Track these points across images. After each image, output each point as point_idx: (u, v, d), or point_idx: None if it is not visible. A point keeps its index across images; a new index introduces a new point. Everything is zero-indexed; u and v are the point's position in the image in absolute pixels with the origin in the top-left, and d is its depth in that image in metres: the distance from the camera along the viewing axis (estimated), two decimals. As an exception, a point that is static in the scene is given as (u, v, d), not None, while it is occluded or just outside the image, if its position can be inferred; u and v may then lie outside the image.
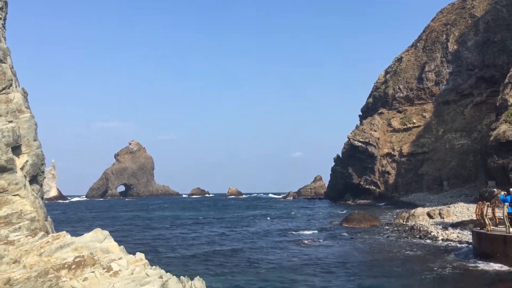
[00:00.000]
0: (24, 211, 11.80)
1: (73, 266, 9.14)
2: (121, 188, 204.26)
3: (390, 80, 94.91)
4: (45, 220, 13.12)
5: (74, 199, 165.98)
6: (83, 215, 63.22)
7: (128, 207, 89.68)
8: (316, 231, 33.94)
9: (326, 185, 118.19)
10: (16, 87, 14.77)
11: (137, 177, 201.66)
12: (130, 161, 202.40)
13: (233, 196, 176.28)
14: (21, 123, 14.03)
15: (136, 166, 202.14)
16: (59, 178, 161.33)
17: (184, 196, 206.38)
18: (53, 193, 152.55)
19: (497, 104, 47.00)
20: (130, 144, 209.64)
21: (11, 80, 14.23)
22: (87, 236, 11.06)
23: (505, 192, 19.76)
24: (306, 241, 27.29)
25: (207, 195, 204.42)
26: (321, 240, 27.63)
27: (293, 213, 62.36)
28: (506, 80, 46.93)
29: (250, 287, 14.33)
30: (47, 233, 11.91)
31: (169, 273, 10.72)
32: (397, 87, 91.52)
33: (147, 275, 9.98)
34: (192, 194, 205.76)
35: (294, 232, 33.58)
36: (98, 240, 11.04)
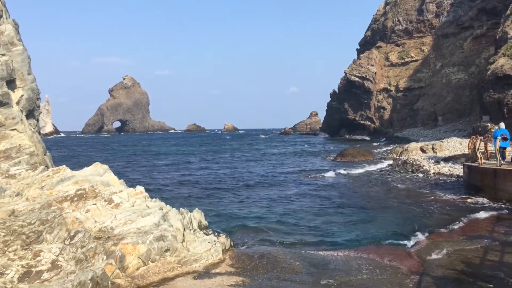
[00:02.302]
0: (22, 145, 11.89)
1: (75, 199, 9.38)
2: (117, 124, 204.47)
3: (389, 12, 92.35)
4: (44, 155, 13.26)
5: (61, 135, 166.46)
6: (80, 150, 63.77)
7: (124, 143, 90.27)
8: (311, 166, 34.55)
9: (322, 121, 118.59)
10: (6, 18, 14.29)
11: (132, 113, 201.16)
12: (125, 97, 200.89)
13: (228, 132, 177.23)
14: (14, 56, 13.75)
15: (131, 102, 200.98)
16: (55, 114, 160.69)
17: (179, 131, 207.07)
18: (48, 128, 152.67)
19: (497, 37, 46.19)
20: (124, 79, 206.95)
21: (1, 10, 13.76)
22: (87, 170, 11.24)
23: (498, 127, 19.98)
24: (301, 175, 27.86)
25: (205, 131, 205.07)
26: (316, 174, 28.19)
27: (288, 148, 63.10)
28: (508, 11, 45.79)
29: (249, 219, 14.80)
30: (47, 167, 12.08)
31: (168, 206, 11.05)
32: (397, 19, 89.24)
33: (148, 207, 10.28)
34: (188, 130, 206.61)
35: (289, 167, 34.17)
36: (98, 174, 11.24)
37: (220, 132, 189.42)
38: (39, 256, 6.48)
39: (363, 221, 14.36)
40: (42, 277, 6.18)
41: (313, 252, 10.67)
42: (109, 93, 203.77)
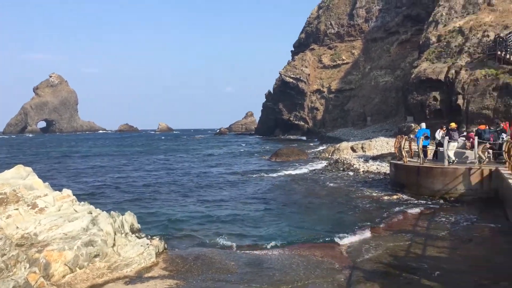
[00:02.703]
0: None
1: (-6, 204, 8.73)
2: (42, 124, 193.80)
3: (322, 16, 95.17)
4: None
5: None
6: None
7: (50, 144, 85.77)
8: (246, 166, 34.76)
9: (257, 121, 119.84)
10: None
11: (59, 112, 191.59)
12: (51, 95, 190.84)
13: (162, 133, 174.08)
14: None
15: (58, 101, 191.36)
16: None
17: (110, 132, 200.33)
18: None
19: (420, 42, 49.08)
20: (50, 77, 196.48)
21: None
22: (8, 173, 10.51)
23: (420, 127, 21.26)
24: (237, 176, 27.94)
25: (138, 132, 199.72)
26: (251, 174, 28.40)
27: (224, 148, 63.09)
28: (431, 19, 48.82)
29: (184, 221, 14.59)
30: (-38, 170, 11.14)
31: (98, 209, 10.60)
32: (329, 22, 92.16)
33: (76, 211, 9.81)
34: (120, 130, 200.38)
35: (225, 167, 34.16)
36: (21, 177, 10.55)
37: (154, 132, 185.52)
38: (-49, 267, 5.96)
39: (297, 220, 14.65)
40: (-46, 290, 5.68)
41: (248, 252, 10.71)
42: (34, 91, 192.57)
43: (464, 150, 18.79)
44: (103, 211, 10.54)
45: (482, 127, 19.59)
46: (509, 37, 34.00)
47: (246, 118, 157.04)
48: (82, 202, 10.64)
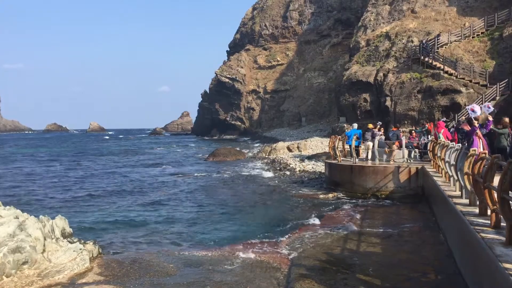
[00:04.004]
0: None
1: None
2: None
3: (257, 17, 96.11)
4: None
5: None
6: None
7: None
8: (183, 166, 34.31)
9: (194, 121, 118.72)
10: None
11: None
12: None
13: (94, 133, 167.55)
14: None
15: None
16: None
17: (37, 131, 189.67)
18: None
19: (351, 45, 51.03)
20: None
21: None
22: None
23: (350, 126, 22.24)
24: (173, 177, 27.50)
25: (67, 131, 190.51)
26: (189, 174, 28.08)
27: (161, 148, 61.86)
28: (360, 23, 50.91)
29: (120, 224, 14.11)
30: None
31: (26, 213, 9.98)
32: (264, 24, 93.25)
33: (1, 216, 9.16)
34: (48, 130, 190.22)
35: (161, 168, 33.51)
36: None
37: (85, 132, 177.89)
38: None
39: (235, 219, 14.68)
40: None
41: (187, 253, 10.57)
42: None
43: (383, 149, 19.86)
44: (31, 215, 9.93)
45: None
46: (430, 42, 36.25)
47: (182, 118, 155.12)
48: (8, 207, 9.95)
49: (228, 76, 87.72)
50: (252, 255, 10.24)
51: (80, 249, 9.13)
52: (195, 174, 28.02)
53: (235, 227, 13.50)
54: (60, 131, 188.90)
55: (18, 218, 9.17)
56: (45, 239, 9.01)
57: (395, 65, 39.84)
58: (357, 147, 20.63)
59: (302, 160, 30.76)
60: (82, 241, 10.05)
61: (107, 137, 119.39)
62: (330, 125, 54.82)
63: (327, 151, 27.75)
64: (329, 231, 12.45)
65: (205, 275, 8.82)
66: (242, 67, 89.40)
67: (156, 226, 13.80)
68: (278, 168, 28.79)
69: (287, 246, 11.12)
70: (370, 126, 20.31)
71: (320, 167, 26.33)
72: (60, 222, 10.70)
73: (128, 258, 9.78)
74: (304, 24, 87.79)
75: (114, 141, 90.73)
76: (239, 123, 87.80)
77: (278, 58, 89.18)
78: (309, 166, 27.65)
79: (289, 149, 37.18)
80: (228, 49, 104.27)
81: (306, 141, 40.25)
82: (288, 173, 26.62)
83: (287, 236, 12.08)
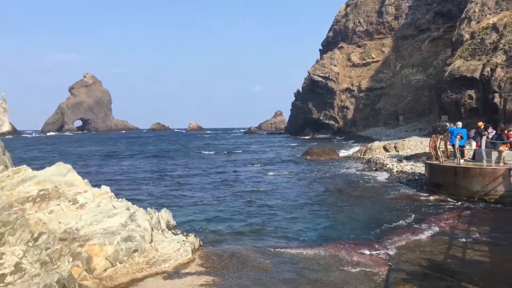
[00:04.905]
0: (-21, 144, 11.31)
1: (38, 199, 9.02)
2: (78, 123, 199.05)
3: (350, 13, 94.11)
4: (3, 154, 12.68)
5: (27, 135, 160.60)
6: (40, 150, 61.64)
7: (87, 142, 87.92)
8: (278, 163, 34.75)
9: (287, 120, 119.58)
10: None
11: (94, 111, 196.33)
12: (86, 95, 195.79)
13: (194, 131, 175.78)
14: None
15: (92, 100, 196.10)
16: (13, 113, 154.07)
17: (143, 130, 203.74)
18: (6, 127, 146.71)
19: (453, 39, 47.87)
20: (84, 77, 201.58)
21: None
22: (50, 170, 10.83)
23: (453, 124, 20.72)
24: (268, 174, 27.97)
25: (169, 130, 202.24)
26: (284, 172, 28.38)
27: (256, 146, 63.24)
28: (463, 15, 47.54)
29: (218, 218, 14.71)
30: (6, 167, 11.56)
31: (135, 205, 10.80)
32: (357, 20, 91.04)
33: (114, 207, 10.01)
34: (153, 129, 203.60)
35: (258, 165, 34.24)
36: (61, 174, 10.85)
37: (185, 131, 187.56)
38: (1, 259, 6.19)
39: (331, 219, 14.55)
40: (5, 280, 5.90)
41: (282, 250, 10.69)
42: (69, 91, 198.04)
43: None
44: (140, 207, 10.74)
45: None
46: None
47: (275, 117, 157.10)
48: (120, 199, 10.85)
49: (321, 74, 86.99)
50: (348, 256, 10.08)
51: (183, 240, 9.65)
52: (289, 173, 28.22)
53: (330, 227, 13.37)
54: (163, 130, 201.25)
55: (129, 210, 9.97)
56: (152, 230, 9.67)
57: (504, 59, 36.61)
58: (462, 147, 19.30)
59: (399, 160, 29.53)
60: (185, 234, 10.63)
61: (206, 136, 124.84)
62: (431, 124, 51.91)
63: (427, 151, 26.33)
64: (430, 235, 11.83)
65: (300, 273, 8.86)
66: (335, 65, 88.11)
67: (252, 222, 14.15)
68: (374, 168, 27.95)
69: (384, 249, 10.77)
70: (480, 124, 18.72)
71: (419, 168, 25.07)
72: (165, 215, 11.43)
73: (227, 251, 10.14)
74: (401, 18, 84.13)
75: (211, 140, 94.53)
76: (333, 122, 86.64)
77: (373, 55, 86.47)
78: (408, 166, 26.46)
79: (386, 149, 35.89)
80: (321, 48, 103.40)
81: (404, 140, 38.55)
82: (385, 173, 25.73)
83: (383, 238, 11.71)
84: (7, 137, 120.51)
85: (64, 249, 7.29)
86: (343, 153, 41.96)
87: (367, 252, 10.48)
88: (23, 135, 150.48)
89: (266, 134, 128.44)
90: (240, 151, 53.34)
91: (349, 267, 9.23)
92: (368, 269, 9.14)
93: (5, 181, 9.61)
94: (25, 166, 10.65)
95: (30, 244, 6.90)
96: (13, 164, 13.99)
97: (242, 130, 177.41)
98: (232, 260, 9.47)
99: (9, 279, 5.99)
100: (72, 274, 6.75)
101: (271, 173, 28.27)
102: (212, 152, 52.25)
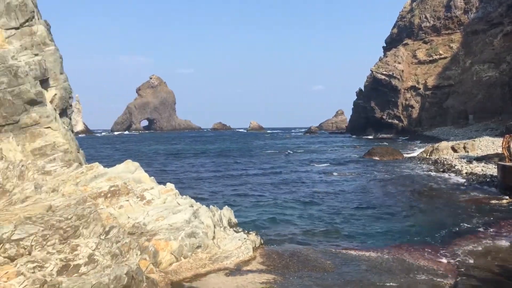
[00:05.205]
0: (57, 143, 12.14)
1: (109, 195, 9.53)
2: (144, 123, 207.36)
3: (416, 9, 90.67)
4: (77, 152, 13.52)
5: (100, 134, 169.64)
6: (110, 148, 64.92)
7: (154, 141, 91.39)
8: (340, 163, 34.26)
9: (348, 120, 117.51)
10: (38, 19, 14.61)
11: (159, 111, 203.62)
12: (152, 96, 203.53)
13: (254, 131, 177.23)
14: (46, 56, 14.03)
15: (158, 101, 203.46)
16: (86, 113, 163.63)
17: (206, 130, 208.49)
18: (79, 127, 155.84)
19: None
20: (151, 78, 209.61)
21: (33, 12, 14.06)
22: (119, 167, 11.40)
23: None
24: (332, 173, 27.67)
25: (231, 130, 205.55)
26: (346, 172, 27.94)
27: (317, 146, 62.74)
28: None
29: (278, 217, 14.76)
30: (80, 164, 12.31)
31: (198, 203, 11.11)
32: (424, 16, 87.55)
33: (178, 204, 10.35)
34: (214, 129, 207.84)
35: (319, 165, 33.97)
36: (130, 171, 11.38)
37: (245, 131, 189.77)
38: (76, 250, 6.60)
39: (394, 221, 14.12)
40: (80, 271, 6.28)
41: (344, 251, 10.53)
42: (137, 92, 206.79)
43: None
44: (202, 205, 11.03)
45: None
46: None
47: (336, 116, 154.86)
48: (184, 196, 11.21)
49: (384, 72, 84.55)
50: (413, 260, 9.74)
51: (244, 238, 9.79)
52: (351, 173, 27.72)
53: (393, 229, 12.98)
54: (224, 130, 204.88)
55: (192, 207, 10.27)
56: (214, 227, 9.90)
57: None
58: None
59: (469, 161, 28.05)
60: (246, 232, 10.78)
61: (266, 135, 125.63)
62: (503, 123, 48.82)
63: (500, 152, 24.80)
64: (503, 241, 11.14)
65: (362, 275, 8.68)
66: (399, 63, 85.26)
67: (312, 222, 14.05)
68: (441, 170, 26.76)
69: (451, 254, 10.29)
70: None
71: (491, 169, 23.66)
72: (227, 213, 11.66)
73: (287, 251, 10.16)
74: (471, 12, 79.89)
75: (272, 140, 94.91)
76: (396, 122, 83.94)
77: (441, 51, 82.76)
78: (478, 168, 25.07)
79: (454, 149, 34.22)
80: (385, 45, 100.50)
81: (474, 140, 36.55)
82: (453, 175, 24.56)
83: (451, 243, 11.18)
84: (80, 136, 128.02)
85: (133, 243, 7.64)
86: (407, 153, 40.55)
87: (434, 256, 10.07)
88: (95, 134, 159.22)
89: (327, 133, 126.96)
90: (302, 151, 53.10)
91: (415, 272, 8.91)
92: (434, 274, 8.78)
93: (80, 177, 10.24)
94: (97, 163, 11.29)
95: (102, 237, 7.30)
96: (86, 161, 14.87)
97: (303, 130, 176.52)
98: (292, 259, 9.47)
99: (83, 269, 6.38)
100: (140, 267, 7.06)
101: (332, 173, 27.92)
102: (273, 152, 52.46)
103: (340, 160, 38.31)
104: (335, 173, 27.83)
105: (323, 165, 34.22)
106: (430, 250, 10.59)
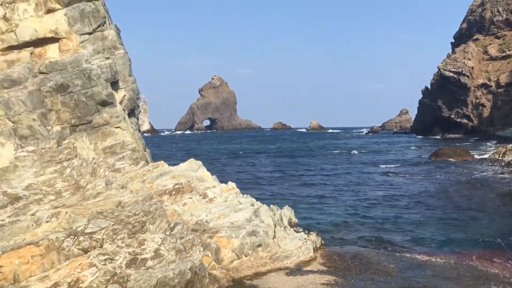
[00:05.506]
0: (125, 142, 12.75)
1: (173, 192, 9.86)
2: (206, 122, 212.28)
3: (487, 2, 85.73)
4: (144, 151, 14.12)
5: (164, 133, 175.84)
6: (173, 146, 67.14)
7: (216, 140, 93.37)
8: (405, 164, 33.23)
9: (413, 119, 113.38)
10: (109, 24, 15.39)
11: (220, 111, 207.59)
12: (214, 96, 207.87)
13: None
14: (116, 59, 14.74)
15: (219, 101, 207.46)
16: (150, 113, 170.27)
17: (266, 129, 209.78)
18: (145, 127, 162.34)
19: None
20: (212, 79, 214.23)
21: (105, 17, 14.82)
22: (183, 166, 11.76)
23: None
24: (398, 175, 26.91)
25: (291, 130, 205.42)
26: (410, 173, 27.05)
27: (380, 146, 61.17)
28: None
29: (339, 218, 14.57)
30: (147, 162, 12.85)
31: (259, 202, 11.20)
32: (496, 9, 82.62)
33: (240, 202, 10.50)
34: (274, 128, 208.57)
35: (384, 166, 33.15)
36: (193, 170, 11.70)
37: (305, 130, 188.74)
38: (144, 244, 6.89)
39: (462, 226, 13.46)
40: (146, 264, 6.56)
41: (408, 255, 10.19)
42: (199, 92, 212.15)
43: None
44: (263, 204, 11.10)
45: None
46: None
47: (400, 115, 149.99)
48: (245, 195, 11.34)
49: (452, 70, 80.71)
50: (483, 267, 9.23)
51: (305, 238, 9.75)
52: (416, 174, 26.75)
53: (461, 234, 12.37)
54: (284, 129, 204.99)
55: (253, 206, 10.37)
56: (275, 226, 9.94)
57: None
58: None
59: (547, 163, 26.15)
60: (306, 232, 10.72)
61: (327, 135, 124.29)
62: None
63: None
64: None
65: (428, 281, 8.35)
66: (469, 59, 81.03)
67: (375, 224, 13.72)
68: (515, 172, 25.14)
69: (528, 262, 9.63)
70: None
71: None
72: (287, 212, 11.67)
73: (349, 252, 9.99)
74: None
75: (333, 139, 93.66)
76: (466, 121, 79.85)
77: (515, 46, 77.72)
78: (558, 171, 23.31)
79: (530, 151, 32.01)
80: (453, 41, 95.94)
81: (553, 141, 33.98)
82: (528, 178, 23.01)
83: (528, 250, 10.47)
84: (146, 135, 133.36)
85: (196, 239, 7.86)
86: (478, 154, 38.45)
87: (506, 264, 9.48)
88: (160, 134, 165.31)
89: (390, 133, 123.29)
90: (365, 151, 51.94)
91: (485, 280, 8.44)
92: (508, 283, 8.27)
93: (146, 175, 10.68)
94: (162, 161, 11.71)
95: (167, 233, 7.57)
96: (152, 160, 15.49)
97: (364, 130, 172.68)
98: (354, 262, 9.30)
99: (149, 263, 6.65)
100: (203, 263, 7.25)
101: (397, 175, 27.09)
102: (334, 152, 51.79)
103: (406, 161, 37.07)
104: (400, 175, 26.97)
105: (388, 166, 33.29)
106: (502, 258, 9.99)
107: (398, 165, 33.65)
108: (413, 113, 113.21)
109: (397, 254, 10.25)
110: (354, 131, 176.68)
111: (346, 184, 23.24)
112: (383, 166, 33.29)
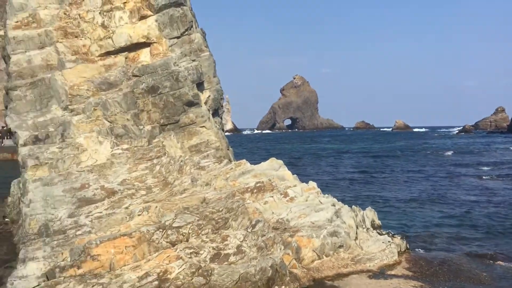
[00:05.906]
0: (210, 141, 13.21)
1: (255, 191, 10.04)
2: (287, 122, 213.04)
3: None
4: (227, 150, 14.53)
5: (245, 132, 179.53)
6: (255, 145, 68.27)
7: (298, 139, 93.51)
8: (502, 167, 30.97)
9: (510, 118, 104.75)
10: (195, 28, 16.03)
11: (302, 110, 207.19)
12: (295, 95, 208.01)
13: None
14: (202, 61, 15.30)
15: (301, 100, 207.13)
16: (232, 112, 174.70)
17: (348, 129, 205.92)
18: (229, 126, 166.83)
19: None
20: (294, 78, 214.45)
21: (192, 21, 15.46)
22: (264, 165, 11.93)
23: None
24: (493, 177, 25.22)
25: (374, 129, 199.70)
26: (509, 177, 25.13)
27: (474, 147, 57.39)
28: None
29: (426, 222, 13.93)
30: (230, 161, 13.21)
31: (340, 202, 11.02)
32: None
33: (320, 202, 10.43)
34: (357, 128, 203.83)
35: (478, 167, 31.13)
36: (274, 169, 11.83)
37: (390, 130, 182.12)
38: (226, 240, 7.12)
39: None
40: (229, 260, 6.77)
41: (503, 263, 9.48)
42: (281, 92, 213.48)
43: None
44: (344, 204, 10.92)
45: None
46: None
47: (495, 114, 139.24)
48: (326, 195, 11.23)
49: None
50: None
51: (389, 241, 9.44)
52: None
53: None
54: (367, 129, 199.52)
55: (334, 206, 10.25)
56: (357, 227, 9.74)
57: None
58: None
59: None
60: (390, 234, 10.37)
61: (413, 135, 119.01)
62: None
63: None
64: None
65: (527, 293, 7.71)
66: None
67: (465, 230, 12.93)
68: None
69: None
70: None
71: None
72: (370, 214, 11.36)
73: (437, 258, 9.50)
74: None
75: (419, 140, 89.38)
76: None
77: None
78: None
79: None
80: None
81: None
82: None
83: None
84: (228, 134, 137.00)
85: (277, 238, 7.95)
86: None
87: None
88: (242, 133, 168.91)
89: (485, 133, 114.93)
90: (457, 152, 48.96)
91: None
92: None
93: (229, 173, 10.99)
94: (244, 160, 11.98)
95: (249, 230, 7.74)
96: (234, 158, 15.90)
97: (453, 129, 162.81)
98: (443, 268, 8.84)
99: (232, 258, 6.86)
100: (284, 261, 7.31)
101: (492, 178, 25.23)
102: (423, 152, 49.45)
103: (504, 163, 34.35)
104: (498, 179, 25.04)
105: (483, 168, 31.08)
106: None
107: (495, 167, 31.28)
108: (510, 112, 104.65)
109: (491, 262, 9.58)
110: (443, 130, 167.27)
111: (435, 187, 22.08)
112: (479, 168, 31.14)
